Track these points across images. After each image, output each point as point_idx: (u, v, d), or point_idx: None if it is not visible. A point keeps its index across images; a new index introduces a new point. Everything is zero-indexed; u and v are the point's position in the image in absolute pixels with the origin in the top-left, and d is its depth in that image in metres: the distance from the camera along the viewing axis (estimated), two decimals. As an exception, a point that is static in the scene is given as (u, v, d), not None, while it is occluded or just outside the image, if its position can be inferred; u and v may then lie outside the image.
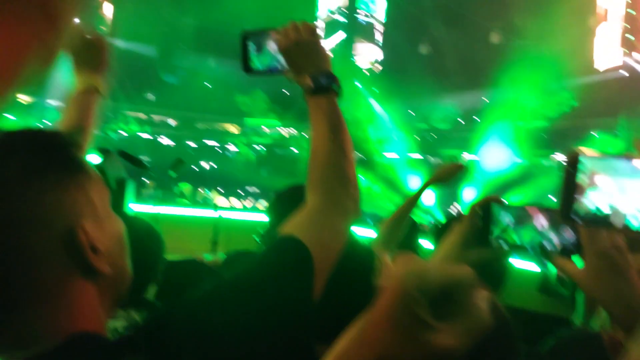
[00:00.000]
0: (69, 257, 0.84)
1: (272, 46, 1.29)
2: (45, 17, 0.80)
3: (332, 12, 28.18)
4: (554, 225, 1.24)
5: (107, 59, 1.62)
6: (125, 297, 0.96)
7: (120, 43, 26.79)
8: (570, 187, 1.01)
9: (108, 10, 26.15)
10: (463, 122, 30.25)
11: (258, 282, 0.96)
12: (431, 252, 1.88)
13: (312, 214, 1.07)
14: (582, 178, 0.99)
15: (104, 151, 1.96)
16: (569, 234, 1.23)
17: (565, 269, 1.13)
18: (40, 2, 0.79)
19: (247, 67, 1.32)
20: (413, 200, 2.27)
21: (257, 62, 1.31)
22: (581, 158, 0.99)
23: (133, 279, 0.96)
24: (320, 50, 1.28)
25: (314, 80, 1.23)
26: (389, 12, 29.14)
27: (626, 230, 0.92)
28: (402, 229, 2.21)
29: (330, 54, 1.32)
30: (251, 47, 1.30)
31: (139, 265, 0.99)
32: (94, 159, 2.12)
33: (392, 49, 29.03)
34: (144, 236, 1.75)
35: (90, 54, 1.56)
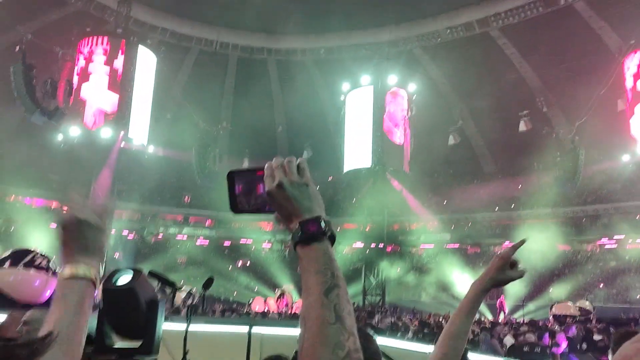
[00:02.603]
0: None
1: (259, 186, 1.20)
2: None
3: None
4: None
5: (103, 243, 1.31)
6: None
7: (158, 151, 28.13)
8: None
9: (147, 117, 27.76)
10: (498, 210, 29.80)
11: None
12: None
13: None
14: None
15: (134, 271, 1.95)
16: None
17: None
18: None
19: (234, 207, 1.23)
20: (470, 311, 1.88)
21: (244, 202, 1.23)
22: None
23: None
24: (310, 192, 1.14)
25: (301, 227, 1.10)
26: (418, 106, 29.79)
27: None
28: (462, 345, 1.88)
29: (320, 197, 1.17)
30: (238, 187, 1.24)
31: None
32: (124, 279, 2.08)
33: (424, 141, 29.47)
34: None
35: (83, 237, 1.28)
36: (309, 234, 1.10)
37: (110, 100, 25.44)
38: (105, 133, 25.18)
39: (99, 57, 25.49)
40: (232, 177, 1.24)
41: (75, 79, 25.38)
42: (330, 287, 1.04)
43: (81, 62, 25.51)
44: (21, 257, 4.52)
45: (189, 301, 12.01)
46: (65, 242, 1.29)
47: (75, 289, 1.23)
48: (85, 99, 25.19)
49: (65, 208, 1.32)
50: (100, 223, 1.32)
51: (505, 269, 1.78)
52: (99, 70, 25.39)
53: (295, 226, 1.12)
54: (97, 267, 1.28)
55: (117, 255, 22.19)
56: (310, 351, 0.98)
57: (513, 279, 1.78)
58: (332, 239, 1.11)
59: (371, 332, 1.91)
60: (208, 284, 5.51)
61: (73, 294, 1.23)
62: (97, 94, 25.27)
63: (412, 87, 28.76)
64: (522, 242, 1.86)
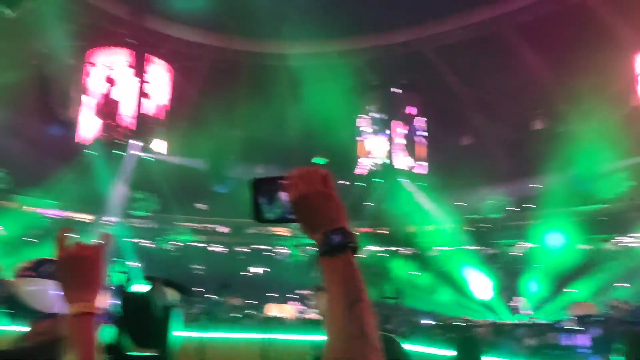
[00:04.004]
0: None
1: (282, 195, 1.19)
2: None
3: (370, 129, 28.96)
4: None
5: (100, 277, 1.36)
6: None
7: (173, 159, 28.34)
8: None
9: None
10: (516, 210, 29.47)
11: None
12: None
13: None
14: None
15: (150, 279, 1.97)
16: None
17: None
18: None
19: (257, 216, 1.22)
20: None
21: (267, 212, 1.21)
22: None
23: None
24: (334, 202, 1.13)
25: (325, 238, 1.08)
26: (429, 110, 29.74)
27: None
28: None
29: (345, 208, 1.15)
30: (261, 195, 1.21)
31: None
32: (140, 287, 2.10)
33: (436, 143, 29.34)
34: None
35: (81, 272, 1.33)
36: (333, 245, 1.08)
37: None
38: (122, 142, 25.52)
39: (115, 68, 25.83)
40: (255, 185, 1.22)
41: (99, 87, 25.73)
42: (354, 300, 1.02)
43: (97, 72, 25.87)
44: (43, 266, 4.56)
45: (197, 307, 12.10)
46: (63, 279, 1.35)
47: (79, 325, 1.31)
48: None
49: (60, 246, 1.37)
50: (95, 257, 1.36)
51: None
52: (118, 80, 25.74)
53: (319, 237, 1.10)
54: (95, 301, 1.35)
55: (134, 264, 22.40)
56: None
57: None
58: (356, 250, 1.10)
59: (397, 338, 1.89)
60: (223, 290, 5.56)
61: (78, 331, 1.30)
62: (124, 100, 25.63)
63: (425, 88, 28.67)
64: None
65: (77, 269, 1.33)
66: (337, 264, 1.07)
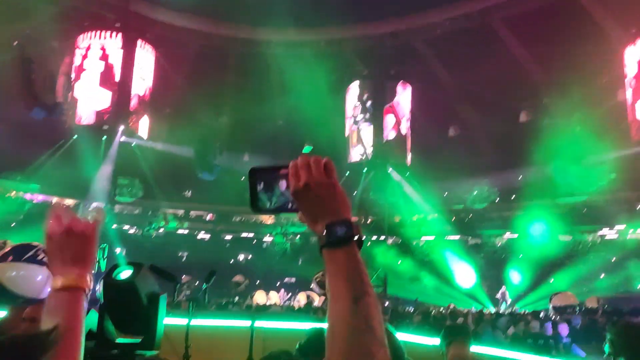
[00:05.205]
0: None
1: (282, 184, 1.15)
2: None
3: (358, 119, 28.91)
4: None
5: (93, 253, 1.30)
6: None
7: (158, 145, 28.07)
8: None
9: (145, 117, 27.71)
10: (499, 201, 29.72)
11: None
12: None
13: None
14: None
15: (134, 265, 1.95)
16: None
17: None
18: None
19: (254, 206, 1.17)
20: None
21: (265, 201, 1.17)
22: None
23: None
24: (337, 193, 1.09)
25: (328, 230, 1.03)
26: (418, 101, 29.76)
27: None
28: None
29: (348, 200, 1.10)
30: (259, 185, 1.17)
31: None
32: (125, 274, 2.08)
33: (423, 133, 29.40)
34: None
35: (74, 247, 1.28)
36: (337, 238, 1.04)
37: (110, 94, 25.42)
38: (106, 127, 25.21)
39: (97, 52, 25.43)
40: (254, 174, 1.18)
41: (89, 69, 25.34)
42: (359, 294, 0.99)
43: (84, 54, 25.50)
44: (23, 252, 4.50)
45: (182, 294, 12.08)
46: (54, 253, 1.29)
47: (68, 299, 1.24)
48: (87, 90, 25.16)
49: (52, 218, 1.33)
50: (89, 233, 1.30)
51: None
52: (98, 64, 25.33)
53: (321, 228, 1.06)
54: (87, 276, 1.28)
55: (118, 250, 22.24)
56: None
57: None
58: (360, 243, 1.07)
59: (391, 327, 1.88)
60: (210, 277, 5.54)
61: (66, 305, 1.23)
62: (96, 88, 25.22)
63: (412, 78, 28.68)
64: None
65: (68, 243, 1.28)
66: (340, 257, 1.03)
